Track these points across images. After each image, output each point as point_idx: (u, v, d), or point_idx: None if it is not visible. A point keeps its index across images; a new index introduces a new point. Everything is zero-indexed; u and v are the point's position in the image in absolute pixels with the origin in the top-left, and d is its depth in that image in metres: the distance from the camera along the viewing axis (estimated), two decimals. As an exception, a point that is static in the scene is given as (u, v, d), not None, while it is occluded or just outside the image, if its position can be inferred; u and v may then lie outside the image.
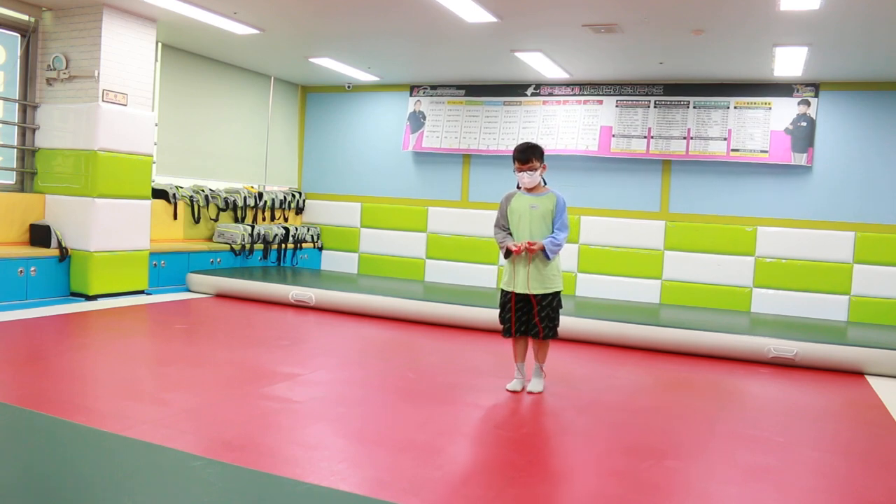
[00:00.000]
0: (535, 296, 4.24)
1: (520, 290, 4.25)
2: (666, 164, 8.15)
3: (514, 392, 4.31)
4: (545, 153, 4.38)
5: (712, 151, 7.78)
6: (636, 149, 8.07)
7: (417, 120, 9.12)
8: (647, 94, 8.14)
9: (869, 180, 7.44)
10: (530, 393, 4.30)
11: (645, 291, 8.11)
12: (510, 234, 4.36)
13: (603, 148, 8.20)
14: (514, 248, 4.20)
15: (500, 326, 4.43)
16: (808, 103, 7.56)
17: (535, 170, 4.23)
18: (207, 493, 2.22)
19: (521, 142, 4.51)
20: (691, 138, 7.87)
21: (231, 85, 8.84)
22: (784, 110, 7.64)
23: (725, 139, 7.76)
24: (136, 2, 6.31)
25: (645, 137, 8.04)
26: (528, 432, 3.69)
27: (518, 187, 4.38)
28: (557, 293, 4.31)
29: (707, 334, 5.82)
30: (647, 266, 8.13)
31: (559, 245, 4.21)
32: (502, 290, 4.41)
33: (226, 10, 6.35)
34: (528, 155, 4.23)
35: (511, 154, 4.37)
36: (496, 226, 4.42)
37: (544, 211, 4.24)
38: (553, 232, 4.24)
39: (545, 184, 4.36)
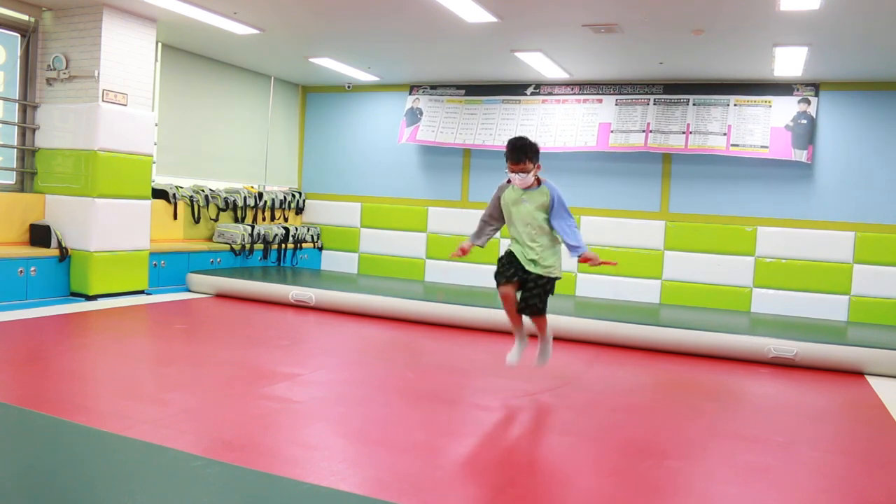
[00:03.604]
0: (532, 275, 4.09)
1: (522, 261, 4.10)
2: (666, 162, 8.13)
3: (512, 366, 4.21)
4: (542, 150, 4.17)
5: (712, 145, 7.76)
6: (635, 143, 8.04)
7: (414, 115, 9.12)
8: (646, 94, 8.13)
9: (869, 180, 7.44)
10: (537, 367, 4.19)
11: (645, 291, 8.11)
12: (492, 228, 4.32)
13: (601, 143, 8.17)
14: (458, 251, 4.24)
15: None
16: (808, 102, 7.56)
17: (528, 171, 4.00)
18: (207, 493, 2.22)
19: (515, 136, 4.19)
20: (690, 132, 7.84)
21: (231, 85, 8.84)
22: (784, 108, 7.62)
23: (725, 134, 7.74)
24: (136, 2, 6.31)
25: (643, 132, 8.01)
26: (528, 432, 3.69)
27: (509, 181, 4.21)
28: (554, 280, 4.15)
29: (707, 334, 5.81)
30: (647, 266, 8.13)
31: (578, 244, 4.01)
32: (506, 252, 4.25)
33: (226, 10, 6.35)
34: (520, 156, 3.98)
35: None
36: (482, 216, 4.32)
37: (536, 206, 4.06)
38: (565, 234, 4.04)
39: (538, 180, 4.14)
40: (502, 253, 4.29)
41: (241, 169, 9.12)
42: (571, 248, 4.06)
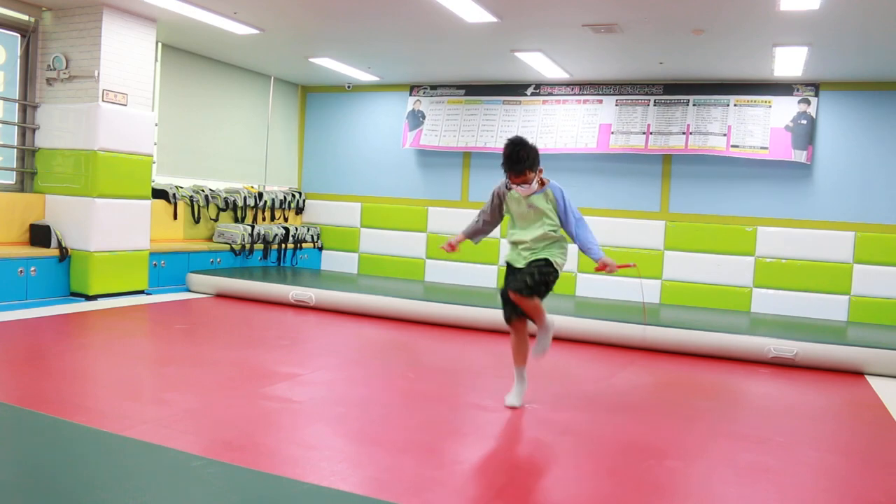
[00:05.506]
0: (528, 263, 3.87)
1: (517, 263, 3.86)
2: (666, 162, 8.13)
3: (512, 408, 3.91)
4: (543, 151, 3.90)
5: (712, 146, 7.76)
6: (635, 144, 8.04)
7: (416, 118, 9.13)
8: (647, 94, 8.13)
9: (869, 180, 7.44)
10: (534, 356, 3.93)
11: (645, 291, 8.10)
12: (488, 226, 4.06)
13: (602, 145, 8.17)
14: (447, 247, 3.97)
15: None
16: (808, 102, 7.56)
17: (530, 181, 3.74)
18: (207, 493, 2.22)
19: (510, 142, 3.78)
20: (690, 133, 7.84)
21: (231, 85, 8.84)
22: (784, 108, 7.62)
23: (725, 135, 7.74)
24: (136, 2, 6.31)
25: (644, 133, 8.01)
26: (527, 432, 3.69)
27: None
28: (551, 263, 3.81)
29: (707, 334, 5.81)
30: (647, 266, 8.13)
31: (592, 245, 3.85)
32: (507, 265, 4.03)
33: (226, 10, 6.35)
34: (521, 168, 3.68)
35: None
36: (479, 215, 4.04)
37: (540, 210, 3.84)
38: (580, 243, 3.86)
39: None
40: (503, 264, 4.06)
41: (241, 169, 9.12)
42: (587, 253, 3.89)
